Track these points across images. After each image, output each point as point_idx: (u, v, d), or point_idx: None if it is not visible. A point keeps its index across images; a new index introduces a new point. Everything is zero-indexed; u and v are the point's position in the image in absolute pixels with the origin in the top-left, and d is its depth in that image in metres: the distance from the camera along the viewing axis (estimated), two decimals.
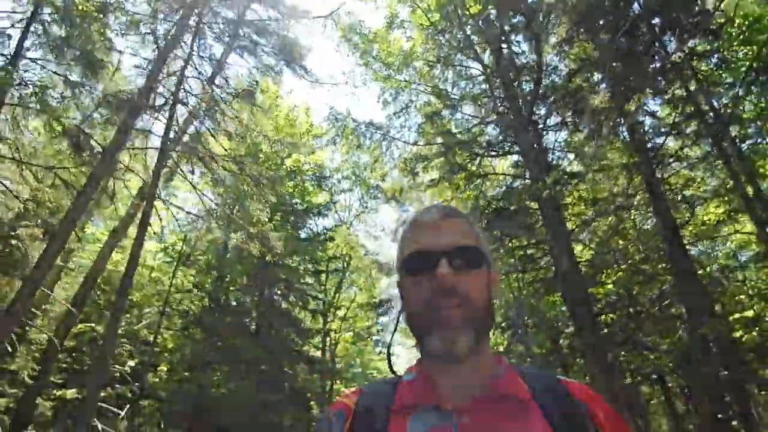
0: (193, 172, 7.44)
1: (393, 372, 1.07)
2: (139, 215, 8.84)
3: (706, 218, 15.92)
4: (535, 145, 13.73)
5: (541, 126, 14.70)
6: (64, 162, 8.19)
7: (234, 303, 15.30)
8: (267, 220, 9.12)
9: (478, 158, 15.24)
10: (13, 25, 8.02)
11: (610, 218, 13.59)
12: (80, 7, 7.77)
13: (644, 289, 14.34)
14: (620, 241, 14.57)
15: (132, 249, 6.59)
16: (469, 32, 14.88)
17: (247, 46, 8.35)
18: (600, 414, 0.91)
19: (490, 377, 0.93)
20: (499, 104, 14.46)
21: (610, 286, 15.02)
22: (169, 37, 8.01)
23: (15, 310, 5.31)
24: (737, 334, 13.70)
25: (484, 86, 16.14)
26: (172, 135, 7.56)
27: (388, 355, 1.21)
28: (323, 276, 20.20)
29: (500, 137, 14.70)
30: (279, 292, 18.55)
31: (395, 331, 1.18)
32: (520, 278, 15.19)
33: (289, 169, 15.41)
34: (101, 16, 8.26)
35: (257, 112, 8.07)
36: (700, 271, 13.96)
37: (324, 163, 18.54)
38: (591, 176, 13.08)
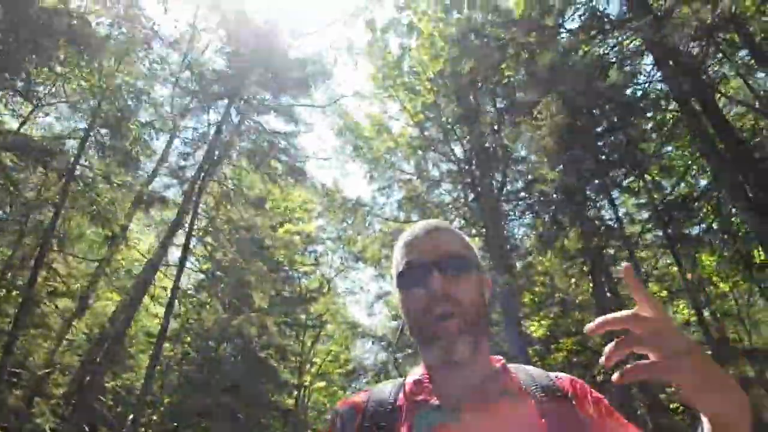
0: (212, 274, 9.18)
1: (399, 374, 1.46)
2: (150, 287, 10.47)
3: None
4: (497, 230, 15.72)
5: (508, 212, 16.81)
6: (100, 249, 9.83)
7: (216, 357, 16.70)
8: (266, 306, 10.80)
9: None
10: (70, 136, 9.80)
11: (563, 297, 15.42)
12: (130, 127, 9.57)
13: (593, 362, 16.11)
14: (576, 313, 16.30)
15: (159, 333, 8.20)
16: (447, 127, 17.08)
17: (263, 161, 10.21)
18: (589, 405, 0.96)
19: (489, 375, 0.99)
20: (470, 192, 16.55)
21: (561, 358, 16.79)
22: (205, 165, 9.85)
23: (90, 394, 6.79)
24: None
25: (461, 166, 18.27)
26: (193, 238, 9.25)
27: (395, 359, 1.75)
28: (300, 330, 21.67)
29: (471, 220, 16.72)
30: (259, 344, 19.96)
31: (398, 340, 1.70)
32: None
33: (280, 238, 17.18)
34: (144, 129, 10.11)
35: (265, 215, 9.86)
36: None
37: (312, 233, 20.30)
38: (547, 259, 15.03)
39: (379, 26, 16.80)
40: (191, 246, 10.03)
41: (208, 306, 9.55)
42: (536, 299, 17.18)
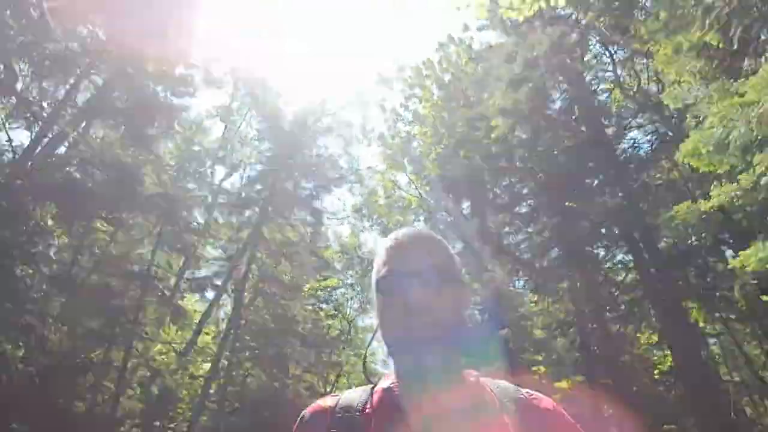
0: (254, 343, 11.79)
1: (369, 380, 1.09)
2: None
3: None
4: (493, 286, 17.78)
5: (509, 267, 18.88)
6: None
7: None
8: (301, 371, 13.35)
9: None
10: (143, 239, 12.47)
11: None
12: (192, 234, 12.19)
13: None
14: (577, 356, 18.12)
15: (219, 403, 10.76)
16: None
17: (293, 259, 12.79)
18: (559, 425, 0.99)
19: (459, 387, 0.99)
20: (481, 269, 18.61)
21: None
22: (247, 256, 12.50)
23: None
24: None
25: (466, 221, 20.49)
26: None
27: (365, 364, 1.31)
28: (324, 368, 24.22)
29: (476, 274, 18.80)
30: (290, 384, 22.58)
31: (371, 343, 2.22)
32: None
33: (305, 295, 19.73)
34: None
35: (297, 297, 12.41)
36: None
37: (334, 284, 22.91)
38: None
39: (389, 108, 19.44)
40: (238, 319, 12.63)
41: (251, 372, 12.01)
42: (535, 346, 19.11)
